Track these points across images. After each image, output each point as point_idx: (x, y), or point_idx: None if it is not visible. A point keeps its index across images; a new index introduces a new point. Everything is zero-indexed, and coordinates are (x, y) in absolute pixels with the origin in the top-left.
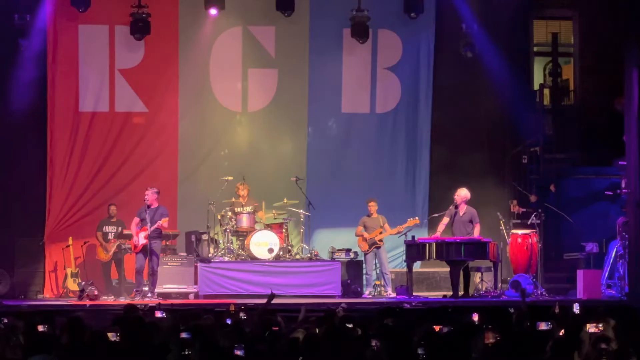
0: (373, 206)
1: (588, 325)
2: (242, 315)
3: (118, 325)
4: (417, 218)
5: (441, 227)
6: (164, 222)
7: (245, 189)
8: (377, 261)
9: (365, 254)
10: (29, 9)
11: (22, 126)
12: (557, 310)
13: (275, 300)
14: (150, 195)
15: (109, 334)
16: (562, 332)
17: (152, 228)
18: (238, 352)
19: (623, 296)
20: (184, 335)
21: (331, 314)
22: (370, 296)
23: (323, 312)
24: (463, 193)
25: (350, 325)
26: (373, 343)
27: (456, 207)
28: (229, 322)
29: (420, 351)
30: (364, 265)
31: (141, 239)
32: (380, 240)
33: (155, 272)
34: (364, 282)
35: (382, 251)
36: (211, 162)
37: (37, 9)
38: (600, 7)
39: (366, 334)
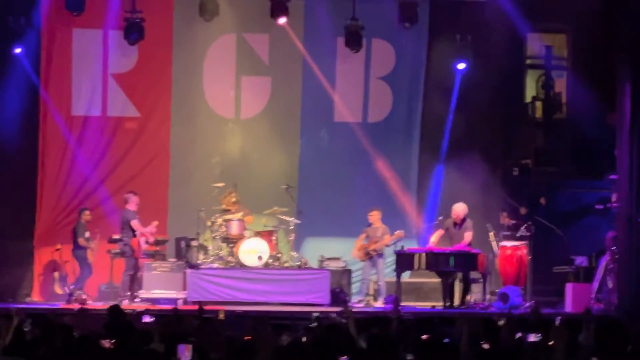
0: (372, 216)
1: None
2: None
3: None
4: (402, 231)
5: (435, 238)
6: (155, 225)
7: (234, 197)
8: (375, 270)
9: (364, 262)
10: (24, 11)
11: (14, 128)
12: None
13: (263, 308)
14: None
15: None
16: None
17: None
18: None
19: (612, 310)
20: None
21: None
22: (361, 305)
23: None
24: (462, 208)
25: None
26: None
27: (455, 225)
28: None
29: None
30: (358, 273)
31: (144, 244)
32: (374, 250)
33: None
34: (354, 290)
35: (380, 261)
36: (203, 168)
37: (31, 11)
38: (594, 21)
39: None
